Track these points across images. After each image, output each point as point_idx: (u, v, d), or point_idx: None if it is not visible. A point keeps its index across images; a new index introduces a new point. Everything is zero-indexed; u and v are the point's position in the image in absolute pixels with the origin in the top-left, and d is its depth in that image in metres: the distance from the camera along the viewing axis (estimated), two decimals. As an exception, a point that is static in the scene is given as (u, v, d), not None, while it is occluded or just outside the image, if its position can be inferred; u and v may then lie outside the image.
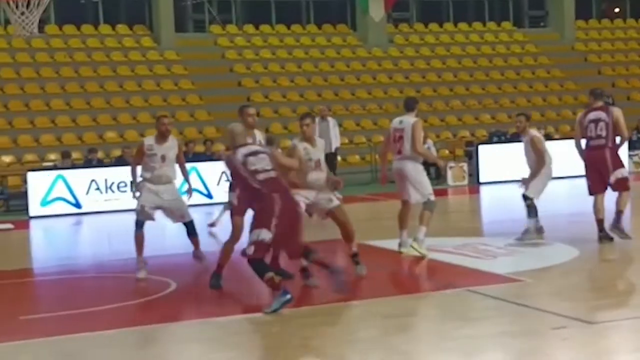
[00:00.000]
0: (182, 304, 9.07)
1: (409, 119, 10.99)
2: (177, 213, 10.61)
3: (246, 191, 8.47)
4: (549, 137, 24.09)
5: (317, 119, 19.21)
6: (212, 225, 14.87)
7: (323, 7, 30.96)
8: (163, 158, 10.35)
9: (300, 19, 30.04)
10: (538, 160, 11.79)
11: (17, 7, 11.77)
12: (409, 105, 11.17)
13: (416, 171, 11.02)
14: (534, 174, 11.79)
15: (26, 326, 8.24)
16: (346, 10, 30.49)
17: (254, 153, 8.48)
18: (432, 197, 11.00)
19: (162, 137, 10.43)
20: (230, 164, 8.55)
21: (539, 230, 11.78)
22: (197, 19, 30.02)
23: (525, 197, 11.77)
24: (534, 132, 11.96)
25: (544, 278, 9.60)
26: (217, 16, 29.19)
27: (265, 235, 8.12)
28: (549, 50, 30.41)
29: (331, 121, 19.55)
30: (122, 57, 25.92)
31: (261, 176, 8.32)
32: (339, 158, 20.72)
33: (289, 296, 8.14)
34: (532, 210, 11.72)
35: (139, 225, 10.51)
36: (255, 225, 8.22)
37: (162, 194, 10.43)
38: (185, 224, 10.68)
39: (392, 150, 11.14)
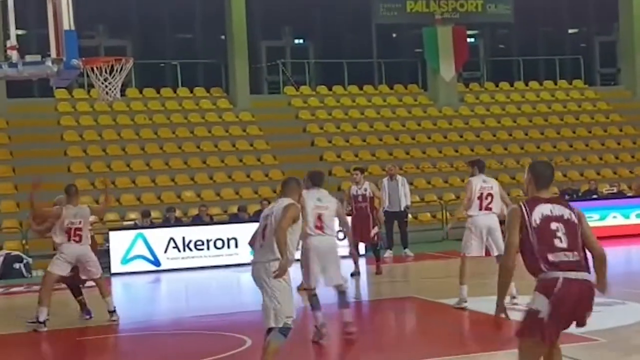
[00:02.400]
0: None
1: (491, 179, 12.12)
2: None
3: None
4: (622, 195, 24.03)
5: (385, 179, 19.68)
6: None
7: (394, 68, 31.41)
8: None
9: (372, 80, 30.50)
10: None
11: (100, 73, 12.24)
12: (484, 167, 12.21)
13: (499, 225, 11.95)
14: None
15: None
16: (417, 70, 30.87)
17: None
18: None
19: None
20: None
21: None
22: (271, 80, 30.72)
23: None
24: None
25: (617, 337, 9.58)
26: (291, 78, 29.84)
27: None
28: (621, 107, 30.28)
29: (400, 180, 19.84)
30: (199, 119, 26.68)
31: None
32: (409, 216, 20.92)
33: None
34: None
35: None
36: None
37: None
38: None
39: (474, 207, 11.81)
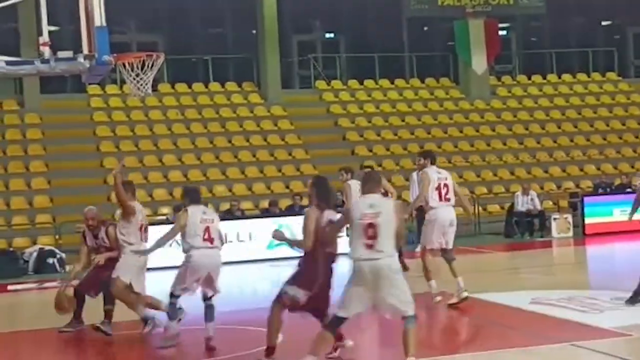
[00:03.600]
0: (286, 355, 9.37)
1: (444, 171, 12.24)
2: None
3: None
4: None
5: (415, 172, 19.61)
6: None
7: (426, 62, 31.29)
8: None
9: (403, 74, 30.42)
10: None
11: (132, 69, 12.29)
12: (435, 158, 12.41)
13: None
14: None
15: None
16: (449, 63, 30.74)
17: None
18: None
19: None
20: None
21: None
22: (303, 75, 30.73)
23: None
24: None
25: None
26: (322, 72, 29.83)
27: None
28: (655, 99, 29.96)
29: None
30: (231, 114, 26.77)
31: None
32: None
33: None
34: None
35: None
36: None
37: None
38: None
39: (434, 198, 11.81)
